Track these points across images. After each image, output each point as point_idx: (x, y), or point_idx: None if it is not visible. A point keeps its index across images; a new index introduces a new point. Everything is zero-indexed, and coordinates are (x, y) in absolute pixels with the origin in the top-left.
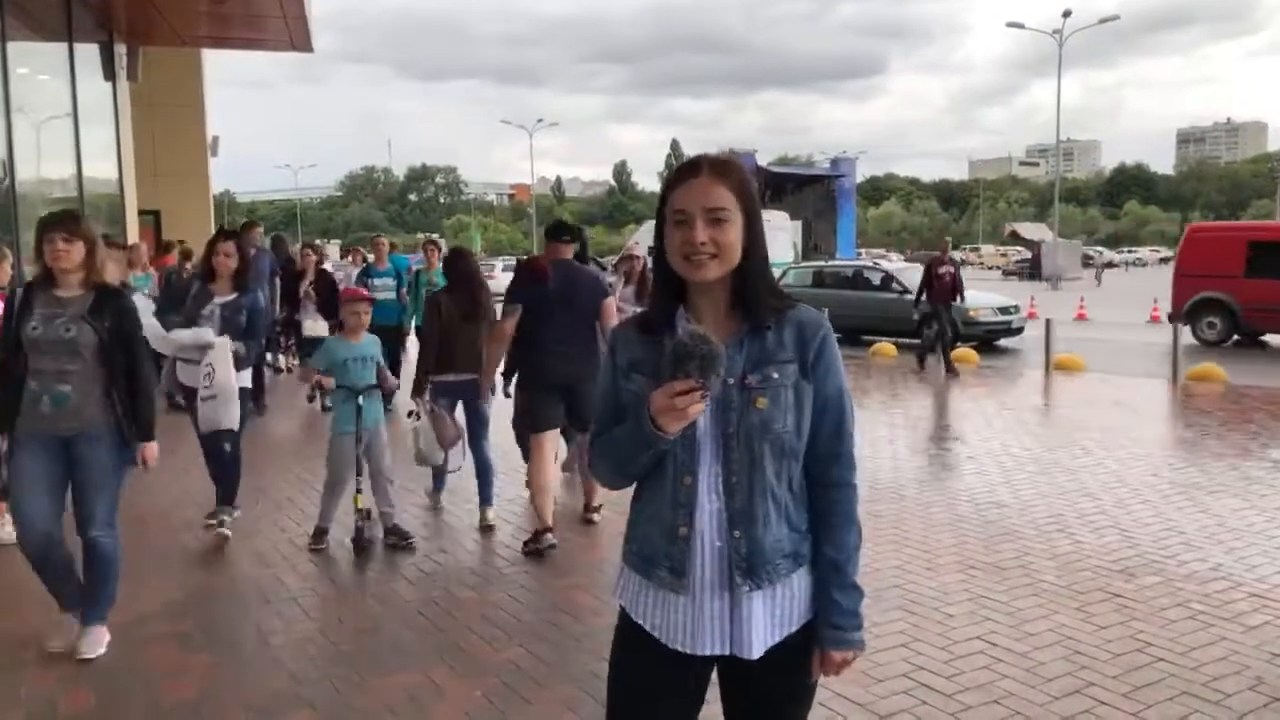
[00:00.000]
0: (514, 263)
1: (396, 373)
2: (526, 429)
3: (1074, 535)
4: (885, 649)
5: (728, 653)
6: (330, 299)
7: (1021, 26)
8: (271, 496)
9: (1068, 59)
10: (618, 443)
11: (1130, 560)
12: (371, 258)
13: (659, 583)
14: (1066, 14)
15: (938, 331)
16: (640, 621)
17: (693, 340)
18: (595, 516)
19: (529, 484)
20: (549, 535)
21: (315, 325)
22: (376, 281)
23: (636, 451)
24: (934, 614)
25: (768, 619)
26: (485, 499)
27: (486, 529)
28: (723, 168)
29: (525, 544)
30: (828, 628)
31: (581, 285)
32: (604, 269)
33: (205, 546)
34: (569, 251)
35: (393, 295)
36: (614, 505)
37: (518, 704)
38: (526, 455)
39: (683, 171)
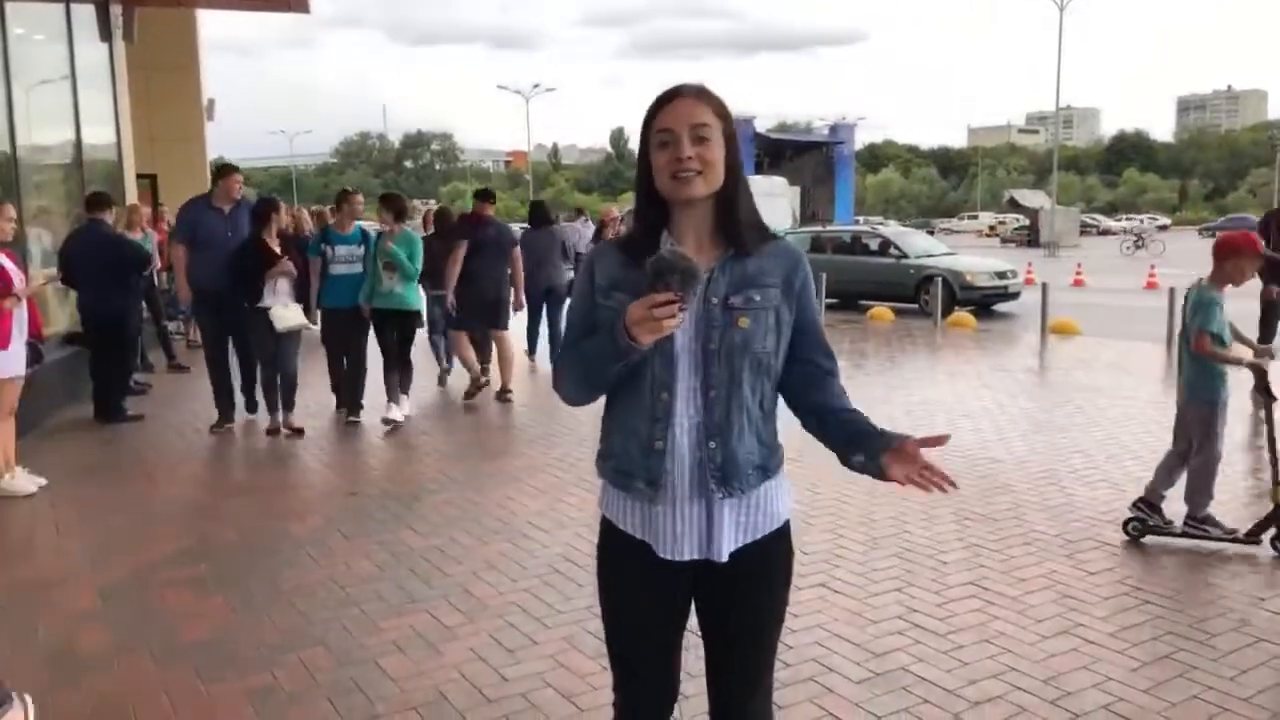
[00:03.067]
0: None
1: (359, 372)
2: (456, 327)
3: (1066, 489)
4: (881, 593)
5: (702, 557)
6: (306, 277)
7: None
8: (274, 453)
9: (1069, 24)
10: (587, 355)
11: (1121, 511)
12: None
13: (637, 495)
14: None
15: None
16: (628, 530)
17: (674, 255)
18: (510, 397)
19: (460, 358)
20: (483, 378)
21: (285, 313)
22: (340, 249)
23: (606, 364)
24: (929, 561)
25: (734, 524)
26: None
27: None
28: (702, 91)
29: (465, 394)
30: (882, 436)
31: (500, 235)
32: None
33: (213, 499)
34: (491, 209)
35: (358, 268)
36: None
37: (523, 642)
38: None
39: (663, 97)
